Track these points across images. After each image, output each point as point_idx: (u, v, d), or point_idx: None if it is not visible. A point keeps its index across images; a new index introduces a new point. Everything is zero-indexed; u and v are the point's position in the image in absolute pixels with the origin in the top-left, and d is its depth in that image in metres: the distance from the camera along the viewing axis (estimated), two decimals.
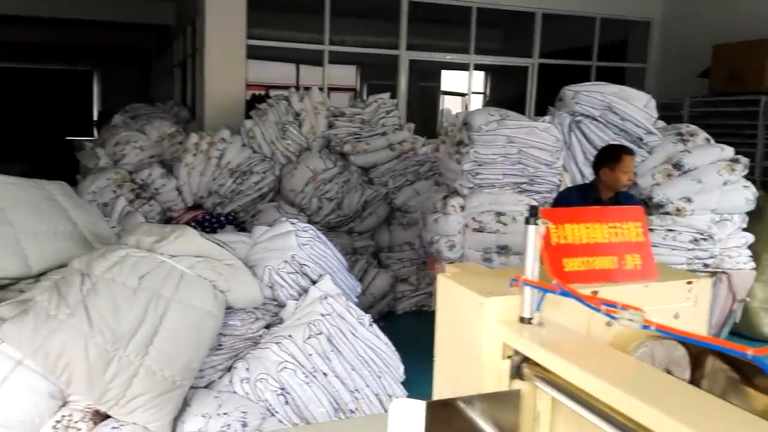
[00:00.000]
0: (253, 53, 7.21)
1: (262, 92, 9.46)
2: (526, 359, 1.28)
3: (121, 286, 2.30)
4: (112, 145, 5.94)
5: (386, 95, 5.70)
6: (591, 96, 4.19)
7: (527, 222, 1.22)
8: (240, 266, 2.67)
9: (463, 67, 8.51)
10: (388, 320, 4.71)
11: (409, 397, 2.85)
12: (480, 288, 1.33)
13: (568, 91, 4.30)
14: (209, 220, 5.16)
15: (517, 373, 1.30)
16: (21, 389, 2.11)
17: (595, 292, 1.33)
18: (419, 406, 1.15)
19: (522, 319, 1.27)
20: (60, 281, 2.37)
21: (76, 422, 2.19)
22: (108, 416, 2.24)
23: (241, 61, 7.01)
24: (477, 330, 1.31)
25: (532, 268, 1.24)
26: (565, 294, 1.17)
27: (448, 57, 8.69)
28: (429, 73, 10.93)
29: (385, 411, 2.71)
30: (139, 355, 2.20)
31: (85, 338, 2.15)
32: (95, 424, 2.21)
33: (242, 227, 5.08)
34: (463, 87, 8.86)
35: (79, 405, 2.23)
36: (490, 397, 1.28)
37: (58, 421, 2.18)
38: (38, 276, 2.63)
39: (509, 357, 1.29)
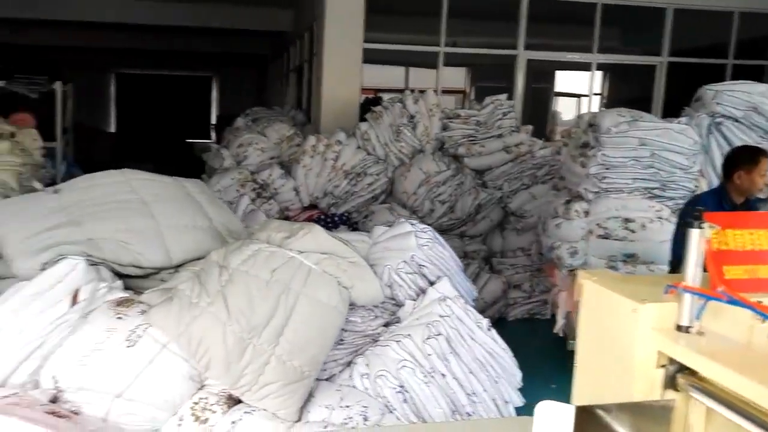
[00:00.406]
0: (367, 57, 7.35)
1: (371, 95, 9.63)
2: (681, 369, 1.22)
3: (255, 278, 2.42)
4: (236, 146, 6.26)
5: (503, 96, 5.62)
6: (735, 96, 3.91)
7: (691, 225, 1.16)
8: (363, 264, 2.72)
9: (582, 66, 8.23)
10: (499, 327, 4.62)
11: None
12: (632, 294, 1.28)
13: (708, 90, 4.03)
14: (324, 220, 5.31)
15: (671, 383, 1.24)
16: (166, 370, 2.27)
17: (759, 303, 1.25)
18: (568, 410, 1.13)
19: (679, 327, 1.22)
20: (200, 272, 2.52)
21: (211, 405, 2.32)
22: (240, 401, 2.35)
23: (357, 64, 7.17)
24: (629, 337, 1.26)
25: (693, 274, 1.18)
26: (733, 302, 1.10)
27: (569, 56, 8.45)
28: (541, 73, 10.67)
29: (502, 416, 2.68)
30: (271, 345, 2.30)
31: (223, 326, 2.27)
32: (228, 407, 2.33)
33: (355, 227, 5.19)
34: (577, 88, 8.58)
35: (215, 389, 2.36)
36: (642, 407, 1.23)
37: (195, 403, 2.32)
38: (177, 267, 2.81)
39: (663, 366, 1.24)
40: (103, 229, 2.64)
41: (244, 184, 5.53)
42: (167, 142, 17.33)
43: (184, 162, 10.36)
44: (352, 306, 2.67)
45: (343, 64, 7.08)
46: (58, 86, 7.35)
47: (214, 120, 18.90)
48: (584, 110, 8.83)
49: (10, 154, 4.91)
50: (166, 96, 19.29)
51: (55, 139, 7.09)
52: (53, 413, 2.02)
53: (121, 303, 2.39)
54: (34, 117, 6.46)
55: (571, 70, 9.99)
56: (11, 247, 2.55)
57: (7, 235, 2.60)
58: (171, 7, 11.01)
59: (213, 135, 17.54)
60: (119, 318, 2.31)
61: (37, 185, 4.65)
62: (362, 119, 5.95)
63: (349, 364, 2.63)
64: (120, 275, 2.66)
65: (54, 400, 2.19)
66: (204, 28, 11.93)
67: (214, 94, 19.91)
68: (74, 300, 2.31)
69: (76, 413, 2.15)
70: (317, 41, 7.60)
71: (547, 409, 1.13)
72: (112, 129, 19.17)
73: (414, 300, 2.85)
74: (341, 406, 2.40)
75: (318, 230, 2.70)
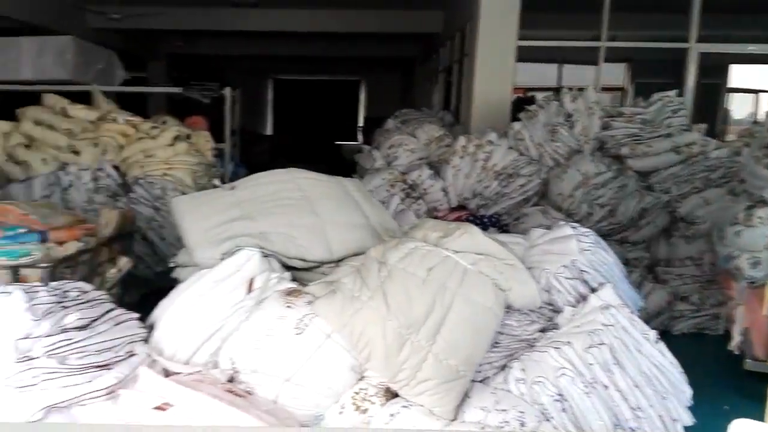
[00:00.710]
0: (520, 55, 7.21)
1: (522, 94, 9.43)
2: None
3: (412, 276, 2.45)
4: (387, 147, 6.41)
5: (672, 93, 5.24)
6: None
7: None
8: (520, 267, 2.67)
9: (763, 59, 7.46)
10: (663, 340, 4.32)
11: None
12: None
13: None
14: (473, 221, 5.26)
15: None
16: (330, 359, 2.36)
17: None
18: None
19: None
20: (360, 267, 2.61)
21: (371, 396, 2.38)
22: (397, 395, 2.39)
23: (510, 63, 7.07)
24: None
25: None
26: None
27: (749, 48, 7.72)
28: (711, 67, 9.86)
29: None
30: (429, 342, 2.32)
31: (383, 320, 2.33)
32: (387, 400, 2.38)
33: (504, 230, 5.09)
34: (754, 83, 7.79)
35: (374, 381, 2.42)
36: None
37: (356, 393, 2.39)
38: (338, 261, 2.93)
39: None
40: (273, 223, 2.82)
41: (394, 184, 5.63)
42: (318, 144, 18.21)
43: (335, 163, 10.81)
44: (508, 309, 2.63)
45: (495, 63, 7.01)
46: (227, 92, 7.97)
47: (361, 122, 19.58)
48: (764, 107, 8.02)
49: (187, 154, 5.43)
50: (318, 99, 20.29)
51: (224, 141, 7.69)
52: (231, 392, 2.19)
53: (290, 293, 2.53)
54: (206, 120, 7.07)
55: (749, 63, 9.08)
56: (193, 238, 2.80)
57: (190, 227, 2.85)
58: (324, 15, 11.56)
59: (360, 137, 18.18)
60: (288, 307, 2.45)
61: (216, 182, 5.11)
62: (513, 119, 5.83)
63: (503, 367, 2.58)
64: (286, 267, 2.83)
65: (230, 380, 2.36)
66: (355, 33, 12.36)
67: (362, 97, 20.61)
68: (250, 288, 2.48)
69: (250, 393, 2.31)
70: (469, 41, 7.58)
71: (743, 428, 1.04)
72: (269, 131, 20.51)
73: (573, 306, 2.74)
74: (497, 409, 2.36)
75: (475, 231, 2.68)
